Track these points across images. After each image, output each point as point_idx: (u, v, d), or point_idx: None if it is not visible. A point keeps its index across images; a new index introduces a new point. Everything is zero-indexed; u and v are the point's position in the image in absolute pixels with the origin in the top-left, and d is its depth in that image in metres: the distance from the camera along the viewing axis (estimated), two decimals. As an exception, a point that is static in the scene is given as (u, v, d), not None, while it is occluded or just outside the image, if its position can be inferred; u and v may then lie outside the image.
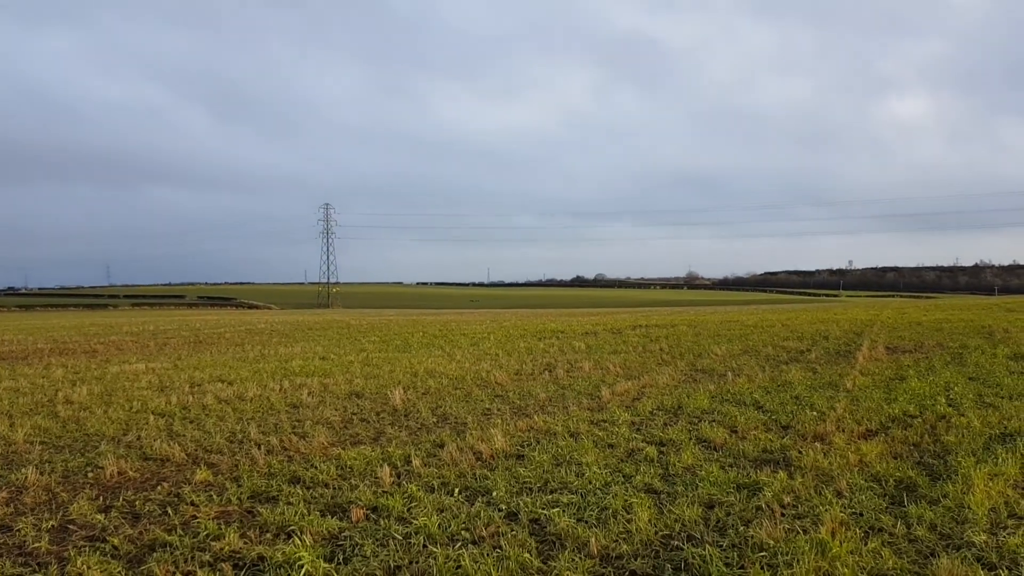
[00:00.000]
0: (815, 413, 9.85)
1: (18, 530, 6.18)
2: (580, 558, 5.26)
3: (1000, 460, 7.22)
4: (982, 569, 4.95)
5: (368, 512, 6.31)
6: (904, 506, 6.11)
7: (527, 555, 5.29)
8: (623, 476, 7.12)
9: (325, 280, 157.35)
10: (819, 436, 8.54)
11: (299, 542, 5.64)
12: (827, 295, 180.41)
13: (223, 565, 5.32)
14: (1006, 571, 4.94)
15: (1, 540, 5.96)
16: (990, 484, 6.51)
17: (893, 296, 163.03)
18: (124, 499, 6.89)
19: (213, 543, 5.74)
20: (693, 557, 5.19)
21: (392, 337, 27.09)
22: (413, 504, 6.43)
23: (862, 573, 4.91)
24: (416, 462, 7.80)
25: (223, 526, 6.07)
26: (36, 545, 5.85)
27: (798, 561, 5.01)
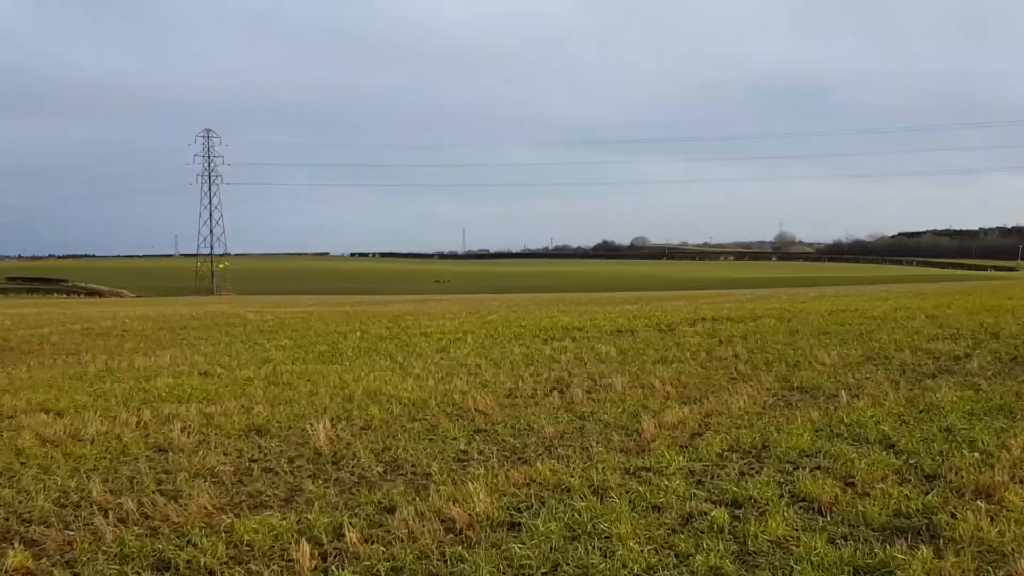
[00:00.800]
0: (977, 455, 9.86)
1: None
2: None
3: None
4: None
5: (277, 616, 6.34)
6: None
7: None
8: (676, 556, 7.18)
9: (207, 251, 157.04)
10: (983, 491, 8.56)
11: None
12: (998, 269, 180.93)
13: None
14: None
15: None
16: None
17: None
18: None
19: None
20: None
21: (314, 339, 27.22)
22: (347, 603, 6.45)
23: None
24: (352, 536, 7.84)
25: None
26: None
27: None
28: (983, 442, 10.53)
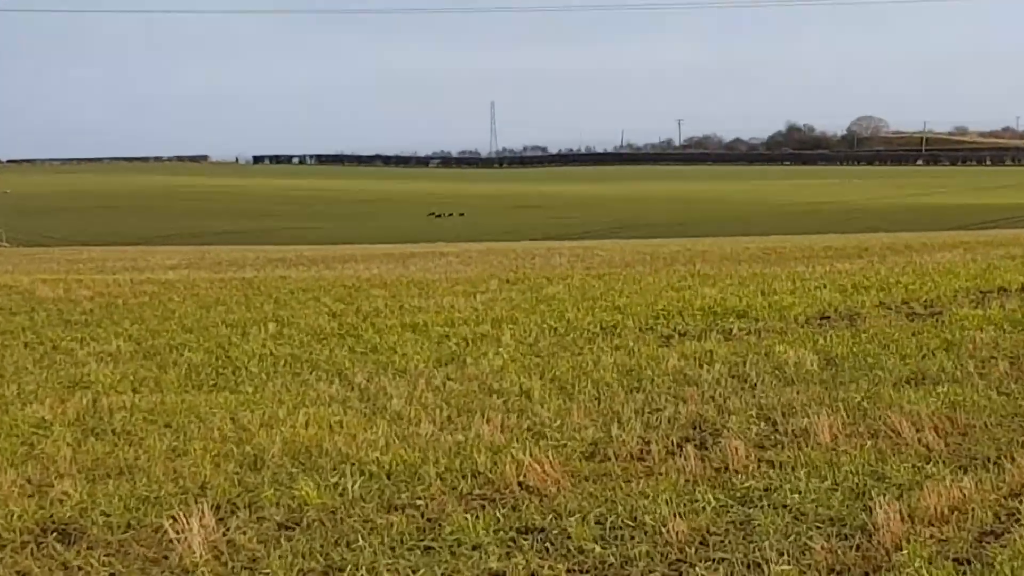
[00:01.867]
0: None
1: None
2: None
3: None
4: None
5: None
6: None
7: None
8: None
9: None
10: None
11: None
12: None
13: None
14: None
15: None
16: None
17: None
18: None
19: None
20: None
21: (177, 339, 20.55)
22: None
23: None
24: None
25: None
26: None
27: None
28: None
